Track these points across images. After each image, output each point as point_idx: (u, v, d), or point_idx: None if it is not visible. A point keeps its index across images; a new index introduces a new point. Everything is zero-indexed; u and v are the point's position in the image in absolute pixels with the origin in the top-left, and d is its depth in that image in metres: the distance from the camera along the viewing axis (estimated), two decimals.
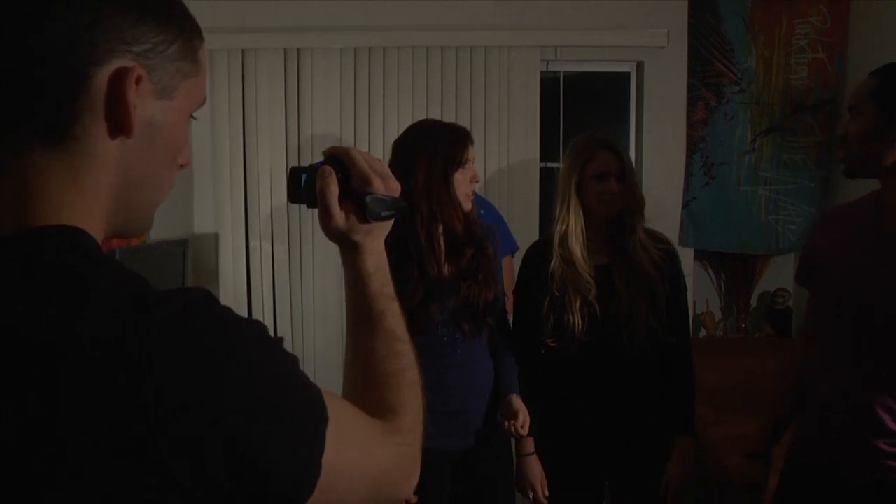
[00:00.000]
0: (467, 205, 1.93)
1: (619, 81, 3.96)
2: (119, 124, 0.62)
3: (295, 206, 3.75)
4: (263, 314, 3.81)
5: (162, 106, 0.66)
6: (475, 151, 2.03)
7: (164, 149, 0.67)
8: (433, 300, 1.93)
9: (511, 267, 2.61)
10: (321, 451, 0.61)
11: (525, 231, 3.60)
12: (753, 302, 3.83)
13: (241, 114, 3.74)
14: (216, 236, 3.77)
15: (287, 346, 0.65)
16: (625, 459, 2.02)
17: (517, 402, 1.96)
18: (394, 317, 0.82)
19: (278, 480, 0.57)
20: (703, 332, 3.73)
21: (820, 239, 1.77)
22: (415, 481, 0.75)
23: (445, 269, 1.96)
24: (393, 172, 0.84)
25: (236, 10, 3.68)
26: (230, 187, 3.75)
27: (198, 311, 0.58)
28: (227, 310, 0.60)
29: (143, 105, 0.63)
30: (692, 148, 3.78)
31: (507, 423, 1.93)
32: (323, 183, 0.81)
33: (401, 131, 4.10)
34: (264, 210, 3.78)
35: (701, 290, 3.79)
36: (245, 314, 3.71)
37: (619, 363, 1.97)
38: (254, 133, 3.75)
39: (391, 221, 0.86)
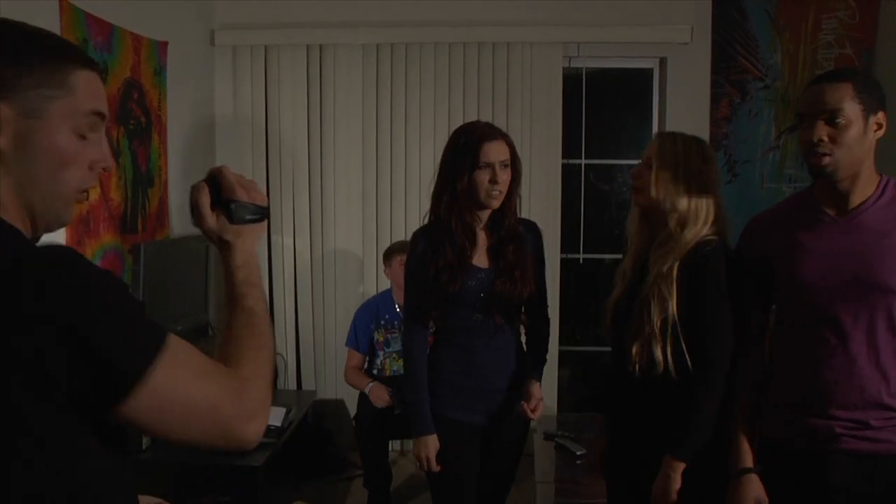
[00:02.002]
0: (491, 202, 1.98)
1: (641, 78, 3.94)
2: None
3: (315, 202, 3.81)
4: (285, 305, 3.85)
5: (31, 125, 0.83)
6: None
7: (45, 157, 0.85)
8: (468, 288, 2.02)
9: None
10: (149, 363, 0.80)
11: (548, 228, 3.59)
12: None
13: (263, 109, 3.77)
14: None
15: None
16: (632, 473, 1.93)
17: (534, 387, 2.07)
18: (253, 299, 1.03)
19: (109, 370, 0.78)
20: None
21: (763, 248, 1.72)
22: (257, 426, 0.88)
23: (480, 261, 2.04)
24: None
25: (259, 6, 3.71)
26: None
27: (67, 260, 0.79)
28: (89, 262, 0.82)
29: (11, 124, 0.82)
30: (715, 145, 3.74)
31: (522, 404, 2.06)
32: (196, 195, 1.04)
33: (422, 127, 4.07)
34: (286, 205, 3.81)
35: None
36: (266, 306, 3.80)
37: (625, 376, 1.82)
38: (276, 128, 3.78)
39: (261, 225, 1.08)
